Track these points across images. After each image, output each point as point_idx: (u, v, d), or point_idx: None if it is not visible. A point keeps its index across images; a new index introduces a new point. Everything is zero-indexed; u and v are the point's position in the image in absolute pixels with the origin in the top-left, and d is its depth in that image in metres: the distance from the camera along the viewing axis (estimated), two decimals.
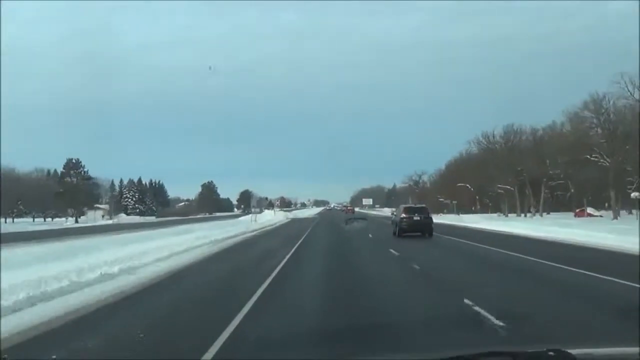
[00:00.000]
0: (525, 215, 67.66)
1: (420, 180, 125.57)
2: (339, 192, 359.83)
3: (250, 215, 57.99)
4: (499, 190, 73.18)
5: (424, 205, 35.18)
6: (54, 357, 5.67)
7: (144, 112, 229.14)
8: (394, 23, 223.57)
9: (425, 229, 27.73)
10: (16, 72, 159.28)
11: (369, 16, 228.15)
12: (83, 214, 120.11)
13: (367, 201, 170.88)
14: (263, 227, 44.48)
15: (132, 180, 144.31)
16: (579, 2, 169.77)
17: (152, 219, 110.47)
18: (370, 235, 28.28)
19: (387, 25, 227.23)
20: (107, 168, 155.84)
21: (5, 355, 5.81)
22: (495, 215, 73.01)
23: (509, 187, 68.97)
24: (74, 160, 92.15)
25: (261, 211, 63.61)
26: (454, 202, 73.69)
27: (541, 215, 64.42)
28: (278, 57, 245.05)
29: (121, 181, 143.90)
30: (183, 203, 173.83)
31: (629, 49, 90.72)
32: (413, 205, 35.65)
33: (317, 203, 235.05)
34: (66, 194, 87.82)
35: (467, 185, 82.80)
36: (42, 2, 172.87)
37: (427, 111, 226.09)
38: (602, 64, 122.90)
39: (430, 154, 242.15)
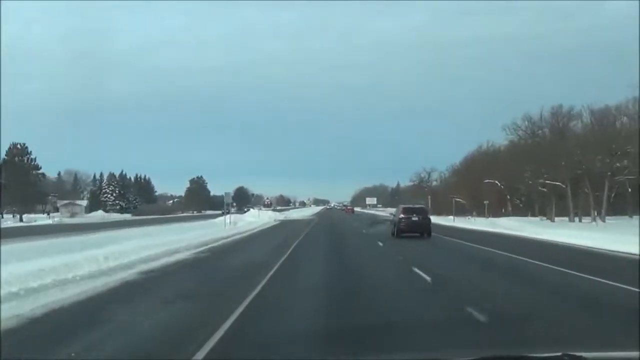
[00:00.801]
0: (580, 220, 52.86)
1: (429, 179, 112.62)
2: (341, 191, 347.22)
3: (225, 217, 43.37)
4: (542, 188, 58.36)
5: (422, 206, 37.92)
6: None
7: (143, 111, 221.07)
8: (394, 23, 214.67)
9: (423, 229, 27.80)
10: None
11: (369, 16, 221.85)
12: (57, 210, 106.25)
13: (371, 200, 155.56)
14: (231, 236, 30.06)
15: (113, 174, 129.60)
16: (579, 2, 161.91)
17: (127, 216, 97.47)
18: (416, 270, 13.48)
19: (387, 25, 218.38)
20: (100, 164, 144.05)
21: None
22: (537, 219, 58.28)
23: (559, 183, 53.76)
24: (19, 146, 74.83)
25: (241, 211, 48.92)
26: (485, 202, 59.19)
27: (603, 221, 49.60)
28: (278, 57, 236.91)
29: (101, 175, 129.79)
30: (172, 200, 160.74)
31: (629, 49, 78.94)
32: (412, 206, 34.47)
33: (317, 202, 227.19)
34: (8, 185, 71.30)
35: (496, 182, 68.31)
36: (43, 2, 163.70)
37: (428, 111, 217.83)
38: (602, 64, 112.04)
39: (431, 153, 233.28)
